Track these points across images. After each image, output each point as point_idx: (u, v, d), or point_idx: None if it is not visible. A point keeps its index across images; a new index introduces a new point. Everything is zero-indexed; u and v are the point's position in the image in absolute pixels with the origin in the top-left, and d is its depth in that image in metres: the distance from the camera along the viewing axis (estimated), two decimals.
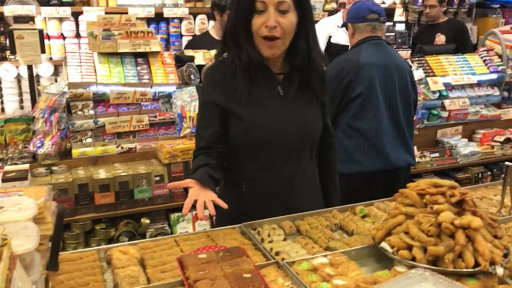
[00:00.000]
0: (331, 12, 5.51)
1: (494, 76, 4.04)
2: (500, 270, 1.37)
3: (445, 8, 5.47)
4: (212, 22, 4.94)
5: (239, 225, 1.84)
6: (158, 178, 3.00)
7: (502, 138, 3.96)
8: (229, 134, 1.86)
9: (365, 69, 2.53)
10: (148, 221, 3.02)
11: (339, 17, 4.73)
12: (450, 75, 3.91)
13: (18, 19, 3.05)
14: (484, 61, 4.11)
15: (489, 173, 3.94)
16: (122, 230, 2.93)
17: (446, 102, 3.85)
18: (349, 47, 2.77)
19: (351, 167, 2.66)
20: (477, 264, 1.37)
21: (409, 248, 1.44)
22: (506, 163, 1.89)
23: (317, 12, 5.55)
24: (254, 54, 1.75)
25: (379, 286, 1.03)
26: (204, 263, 1.39)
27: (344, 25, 2.76)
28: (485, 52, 4.18)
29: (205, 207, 1.58)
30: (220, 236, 1.76)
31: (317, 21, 5.12)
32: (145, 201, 2.99)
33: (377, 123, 2.58)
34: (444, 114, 3.85)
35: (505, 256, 1.43)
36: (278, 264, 1.49)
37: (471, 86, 4.00)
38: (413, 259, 1.41)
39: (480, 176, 3.87)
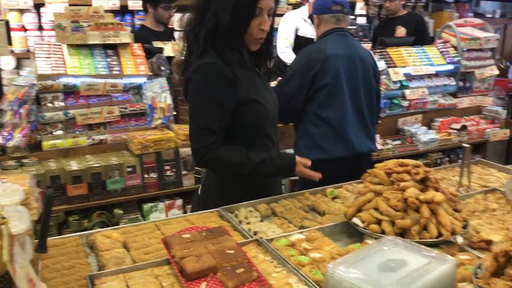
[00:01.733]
0: (295, 6, 5.61)
1: (450, 67, 4.25)
2: (460, 239, 1.51)
3: (404, 2, 5.67)
4: None
5: (216, 209, 1.92)
6: (130, 169, 3.03)
7: (458, 126, 4.18)
8: (247, 121, 1.93)
9: (331, 60, 2.63)
10: (121, 211, 3.05)
11: (304, 11, 4.83)
12: (410, 66, 4.09)
13: None
14: (441, 52, 4.32)
15: (447, 158, 4.16)
16: (95, 221, 2.94)
17: (407, 92, 4.03)
18: (316, 38, 2.87)
19: (318, 154, 2.75)
20: (440, 234, 1.50)
21: (378, 222, 1.56)
22: (463, 144, 2.04)
23: (282, 6, 5.64)
24: (246, 50, 1.91)
25: (357, 251, 1.13)
26: (188, 242, 1.46)
27: (310, 17, 2.86)
28: (442, 44, 4.39)
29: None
30: (199, 220, 1.83)
31: (282, 14, 5.22)
32: (118, 192, 3.02)
33: (342, 112, 2.70)
34: (405, 103, 4.03)
35: (464, 227, 1.57)
36: (258, 242, 1.58)
37: (429, 76, 4.20)
38: (383, 232, 1.54)
39: (439, 162, 4.08)
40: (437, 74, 4.23)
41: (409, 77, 4.08)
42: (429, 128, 4.22)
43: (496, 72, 4.51)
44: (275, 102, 2.06)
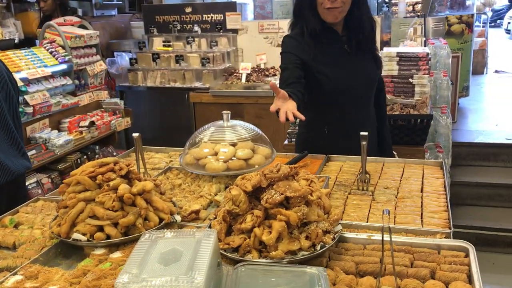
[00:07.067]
0: None
1: (64, 66, 4.21)
2: (178, 218, 1.61)
3: None
4: None
5: None
6: None
7: (86, 123, 4.24)
8: (313, 88, 2.24)
9: None
10: None
11: None
12: (25, 70, 3.81)
13: None
14: (51, 53, 4.21)
15: (85, 157, 4.17)
16: None
17: (27, 97, 3.76)
18: None
19: None
20: (161, 219, 1.55)
21: (101, 229, 1.47)
22: (134, 134, 2.11)
23: None
24: (318, 23, 2.23)
25: (129, 259, 1.04)
26: None
27: None
28: (49, 44, 4.28)
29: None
30: None
31: None
32: None
33: None
34: (29, 110, 3.76)
35: (174, 205, 1.68)
36: None
37: (46, 78, 4.04)
38: (108, 237, 1.46)
39: (79, 162, 4.05)
40: (53, 76, 4.11)
41: (26, 81, 3.81)
42: (59, 130, 4.10)
43: (105, 67, 4.77)
44: (358, 78, 2.28)
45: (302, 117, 1.84)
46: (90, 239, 1.45)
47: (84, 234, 1.46)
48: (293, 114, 1.80)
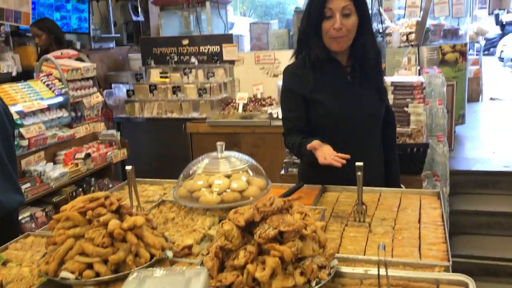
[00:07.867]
0: None
1: (60, 99, 4.21)
2: (170, 254, 1.57)
3: None
4: None
5: None
6: None
7: (82, 155, 4.21)
8: (312, 118, 2.25)
9: None
10: None
11: None
12: (20, 103, 3.82)
13: None
14: (47, 85, 4.22)
15: (80, 189, 4.13)
16: None
17: (23, 130, 3.74)
18: None
19: None
20: (152, 255, 1.51)
21: (90, 266, 1.43)
22: (127, 167, 2.08)
23: None
24: (322, 52, 2.18)
25: None
26: None
27: None
28: (46, 77, 4.29)
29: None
30: None
31: None
32: None
33: None
34: (24, 143, 3.74)
35: (166, 240, 1.64)
36: None
37: (42, 111, 4.03)
38: (97, 275, 1.42)
39: (74, 194, 4.00)
40: (49, 108, 4.11)
41: (22, 114, 3.80)
42: (55, 163, 4.07)
43: (101, 99, 4.78)
44: (358, 111, 2.23)
45: (347, 156, 1.97)
46: (79, 277, 1.41)
47: (72, 272, 1.41)
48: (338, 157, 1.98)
